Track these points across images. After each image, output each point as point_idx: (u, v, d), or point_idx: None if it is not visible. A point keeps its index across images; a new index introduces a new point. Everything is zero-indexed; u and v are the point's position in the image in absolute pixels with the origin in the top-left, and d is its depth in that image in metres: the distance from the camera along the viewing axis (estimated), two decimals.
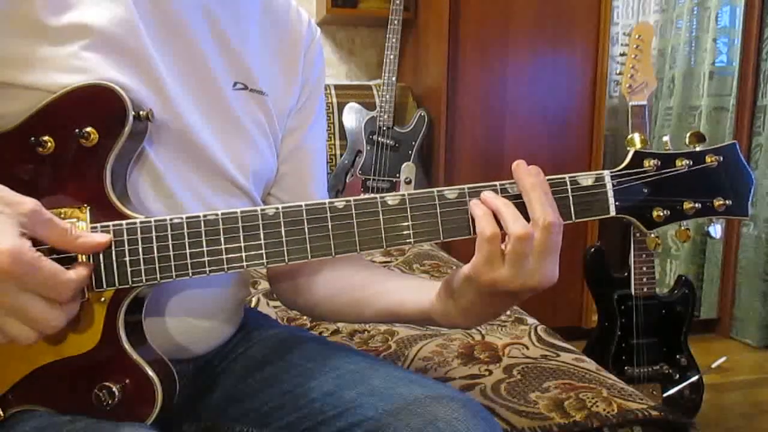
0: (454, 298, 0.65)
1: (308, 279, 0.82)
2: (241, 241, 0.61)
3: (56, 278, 0.53)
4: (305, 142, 0.85)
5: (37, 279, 0.52)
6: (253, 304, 1.40)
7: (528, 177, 0.60)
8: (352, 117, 2.31)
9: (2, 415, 0.60)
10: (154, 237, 0.60)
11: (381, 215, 0.61)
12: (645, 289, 1.81)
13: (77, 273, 0.56)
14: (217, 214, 0.61)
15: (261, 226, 0.61)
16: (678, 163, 0.64)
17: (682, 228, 0.65)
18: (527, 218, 0.59)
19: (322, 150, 0.89)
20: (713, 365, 2.10)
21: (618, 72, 1.92)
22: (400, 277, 0.79)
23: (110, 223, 0.59)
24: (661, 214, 0.63)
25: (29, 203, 0.53)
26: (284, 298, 0.89)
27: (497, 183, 0.62)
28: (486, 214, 0.59)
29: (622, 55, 1.85)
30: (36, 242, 0.54)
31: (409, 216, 0.61)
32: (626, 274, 1.82)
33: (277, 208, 0.61)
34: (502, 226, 0.59)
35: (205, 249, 0.60)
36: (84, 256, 0.58)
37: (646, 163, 0.63)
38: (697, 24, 2.82)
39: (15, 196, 0.53)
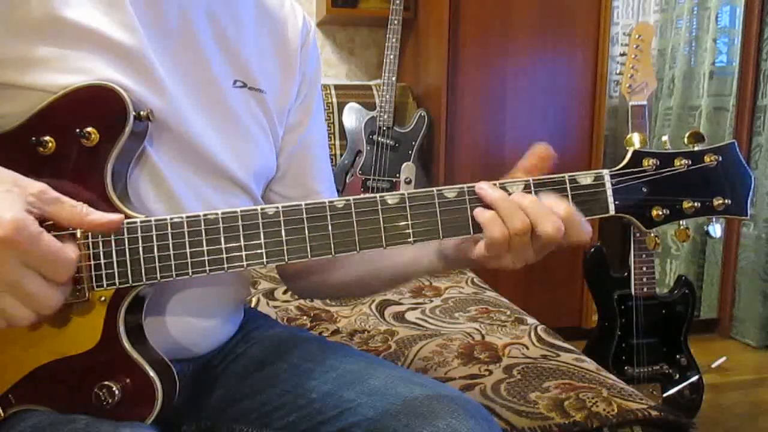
0: (447, 262, 0.72)
1: (321, 276, 0.85)
2: (241, 240, 0.61)
3: (56, 255, 0.53)
4: (308, 136, 0.85)
5: (38, 253, 0.52)
6: (253, 304, 1.41)
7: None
8: (352, 117, 2.31)
9: (2, 414, 0.60)
10: (154, 236, 0.60)
11: (381, 214, 0.61)
12: (645, 289, 1.81)
13: (76, 253, 0.56)
14: (217, 214, 0.61)
15: (261, 225, 0.61)
16: (677, 162, 0.64)
17: (682, 227, 0.65)
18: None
19: (324, 142, 0.90)
20: (713, 365, 2.10)
21: (618, 72, 1.92)
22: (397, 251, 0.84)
23: None
24: (661, 213, 0.64)
25: (38, 184, 0.54)
26: (297, 294, 0.94)
27: (497, 182, 0.62)
28: (492, 218, 0.61)
29: (622, 55, 1.85)
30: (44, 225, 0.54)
31: (409, 215, 0.61)
32: (626, 274, 1.82)
33: (277, 208, 0.61)
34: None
35: (205, 248, 0.60)
36: (84, 249, 0.58)
37: (645, 162, 0.63)
38: (697, 24, 2.82)
39: (24, 179, 0.54)
